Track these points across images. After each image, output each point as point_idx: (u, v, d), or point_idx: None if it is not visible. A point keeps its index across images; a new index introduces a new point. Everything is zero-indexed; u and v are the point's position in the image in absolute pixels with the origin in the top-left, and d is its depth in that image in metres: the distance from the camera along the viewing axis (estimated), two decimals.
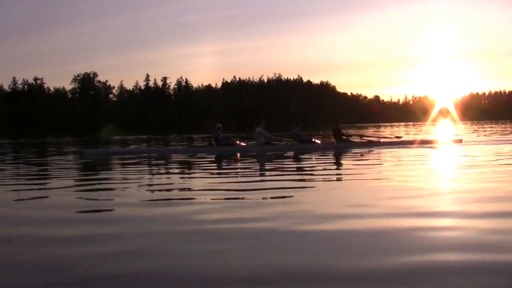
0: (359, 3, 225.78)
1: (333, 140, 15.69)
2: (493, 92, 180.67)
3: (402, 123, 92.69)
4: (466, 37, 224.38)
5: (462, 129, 35.29)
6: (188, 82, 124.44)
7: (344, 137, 15.43)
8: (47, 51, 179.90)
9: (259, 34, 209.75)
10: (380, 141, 15.71)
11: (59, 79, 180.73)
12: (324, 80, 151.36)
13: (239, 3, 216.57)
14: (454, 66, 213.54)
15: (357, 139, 15.76)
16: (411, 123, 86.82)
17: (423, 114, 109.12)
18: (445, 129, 38.46)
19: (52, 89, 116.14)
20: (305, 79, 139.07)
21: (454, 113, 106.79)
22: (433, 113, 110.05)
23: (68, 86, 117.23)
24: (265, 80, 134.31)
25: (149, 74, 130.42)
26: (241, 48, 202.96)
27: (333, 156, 12.15)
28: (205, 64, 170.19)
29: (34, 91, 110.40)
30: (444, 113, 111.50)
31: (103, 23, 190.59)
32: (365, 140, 15.44)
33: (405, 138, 18.25)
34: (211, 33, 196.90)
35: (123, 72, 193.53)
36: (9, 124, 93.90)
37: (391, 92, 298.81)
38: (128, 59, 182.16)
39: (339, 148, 14.11)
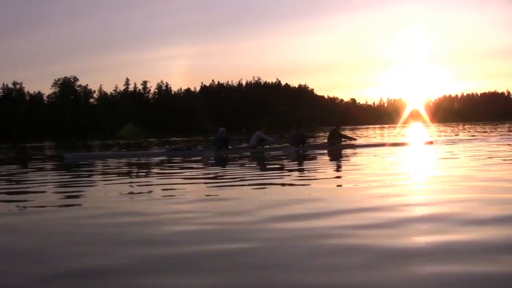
0: (334, 5, 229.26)
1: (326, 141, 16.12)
2: (465, 94, 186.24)
3: (377, 126, 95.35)
4: (438, 40, 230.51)
5: (434, 131, 36.49)
6: (169, 86, 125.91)
7: (336, 140, 15.72)
8: (20, 53, 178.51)
9: (235, 37, 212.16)
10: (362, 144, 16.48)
11: (32, 81, 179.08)
12: (301, 82, 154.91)
13: (214, 6, 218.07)
14: (427, 68, 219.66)
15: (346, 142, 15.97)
16: (386, 126, 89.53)
17: (398, 116, 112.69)
18: (417, 131, 39.95)
19: (32, 92, 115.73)
20: (282, 81, 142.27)
21: (425, 115, 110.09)
22: (405, 115, 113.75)
23: (47, 90, 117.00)
24: (244, 84, 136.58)
25: (126, 77, 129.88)
26: (217, 51, 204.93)
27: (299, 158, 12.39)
28: (180, 67, 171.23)
29: (14, 96, 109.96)
30: (416, 115, 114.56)
31: (76, 25, 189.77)
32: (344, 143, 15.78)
33: (379, 141, 19.73)
34: (185, 36, 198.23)
35: (100, 74, 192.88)
36: None
37: (365, 94, 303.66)
38: (104, 61, 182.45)
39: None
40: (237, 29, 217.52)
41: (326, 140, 16.43)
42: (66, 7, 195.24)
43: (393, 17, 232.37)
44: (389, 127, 67.13)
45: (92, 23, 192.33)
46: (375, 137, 28.89)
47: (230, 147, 15.31)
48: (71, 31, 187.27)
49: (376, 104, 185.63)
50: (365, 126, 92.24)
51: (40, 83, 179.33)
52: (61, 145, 32.53)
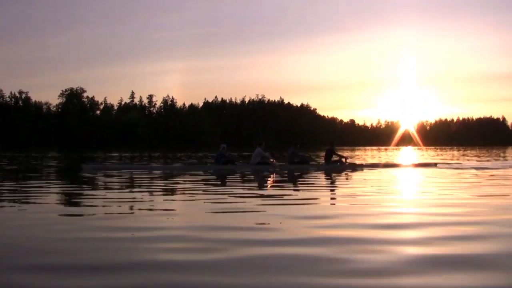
0: (337, 27, 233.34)
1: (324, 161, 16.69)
2: (461, 118, 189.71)
3: (374, 147, 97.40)
4: (436, 64, 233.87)
5: (433, 154, 37.95)
6: (174, 101, 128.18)
7: (335, 157, 16.30)
8: (25, 60, 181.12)
9: (238, 53, 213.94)
10: (362, 164, 17.54)
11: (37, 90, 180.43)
12: (304, 101, 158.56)
13: (219, 22, 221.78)
14: (424, 92, 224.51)
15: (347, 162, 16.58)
16: (383, 148, 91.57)
17: (394, 139, 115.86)
18: (412, 154, 41.57)
19: (38, 101, 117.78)
20: (285, 99, 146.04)
21: (417, 139, 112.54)
22: (399, 138, 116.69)
23: (54, 100, 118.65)
24: (246, 101, 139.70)
25: (132, 90, 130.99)
26: (219, 66, 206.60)
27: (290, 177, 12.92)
28: (182, 81, 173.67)
29: (21, 105, 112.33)
30: (410, 138, 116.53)
31: (82, 34, 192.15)
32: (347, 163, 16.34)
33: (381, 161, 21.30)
34: (189, 50, 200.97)
35: (104, 84, 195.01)
36: None
37: (364, 114, 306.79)
38: (108, 73, 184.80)
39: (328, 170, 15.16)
40: (240, 45, 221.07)
41: (323, 160, 17.04)
42: (71, 16, 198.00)
43: (391, 40, 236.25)
44: (379, 150, 68.22)
45: (98, 34, 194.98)
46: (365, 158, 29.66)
47: (236, 163, 16.24)
48: (77, 40, 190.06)
49: (374, 125, 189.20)
50: (354, 148, 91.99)
51: (46, 91, 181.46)
52: (68, 156, 33.77)
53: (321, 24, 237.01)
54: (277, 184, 11.24)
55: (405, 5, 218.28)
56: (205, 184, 10.60)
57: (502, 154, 35.45)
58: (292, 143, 16.55)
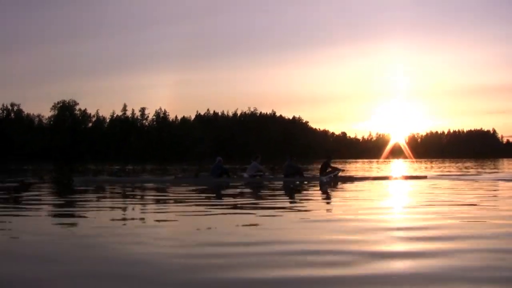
0: (328, 40, 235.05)
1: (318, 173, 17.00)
2: (451, 131, 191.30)
3: (365, 160, 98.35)
4: (426, 77, 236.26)
5: (422, 167, 38.11)
6: (167, 113, 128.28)
7: (329, 169, 16.51)
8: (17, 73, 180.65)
9: (230, 66, 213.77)
10: (352, 176, 17.95)
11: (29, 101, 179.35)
12: (296, 113, 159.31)
13: (211, 34, 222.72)
14: (415, 105, 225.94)
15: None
16: (375, 160, 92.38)
17: (384, 152, 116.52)
18: (403, 166, 41.93)
19: (30, 114, 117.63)
20: (277, 112, 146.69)
21: (408, 151, 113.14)
22: (389, 150, 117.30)
23: (45, 110, 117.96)
24: (238, 114, 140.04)
25: (124, 102, 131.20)
26: (211, 79, 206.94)
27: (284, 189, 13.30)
28: (173, 93, 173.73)
29: (12, 117, 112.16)
30: (400, 151, 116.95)
31: (74, 47, 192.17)
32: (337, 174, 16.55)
33: (376, 174, 21.64)
34: (181, 62, 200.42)
35: (96, 97, 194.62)
36: None
37: (355, 127, 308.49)
38: (102, 86, 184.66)
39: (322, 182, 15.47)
40: (232, 58, 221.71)
41: (318, 172, 17.32)
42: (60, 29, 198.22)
43: (382, 54, 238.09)
44: (370, 162, 69.24)
45: (91, 46, 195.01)
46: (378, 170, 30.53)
47: (232, 176, 16.48)
48: (69, 52, 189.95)
49: (365, 138, 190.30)
50: (345, 160, 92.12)
51: (38, 103, 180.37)
52: (59, 169, 33.74)
53: (313, 37, 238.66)
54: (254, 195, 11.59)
55: (395, 20, 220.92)
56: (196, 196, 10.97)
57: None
58: (288, 156, 16.90)
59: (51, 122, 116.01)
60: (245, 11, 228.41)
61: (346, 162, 68.49)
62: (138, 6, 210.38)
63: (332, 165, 17.32)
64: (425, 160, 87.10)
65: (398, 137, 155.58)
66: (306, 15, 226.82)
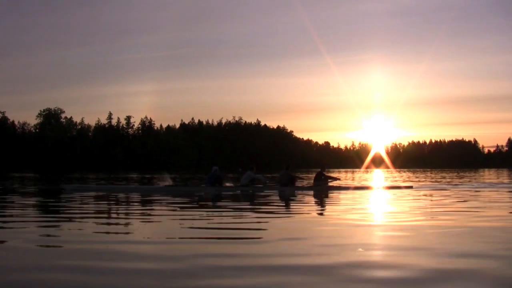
0: (309, 49, 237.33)
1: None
2: (433, 141, 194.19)
3: (348, 169, 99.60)
4: (407, 87, 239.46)
5: (404, 176, 38.70)
6: (152, 122, 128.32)
7: (323, 178, 16.41)
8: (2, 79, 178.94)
9: (214, 75, 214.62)
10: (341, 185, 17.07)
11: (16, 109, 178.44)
12: (279, 123, 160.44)
13: (195, 43, 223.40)
14: (396, 115, 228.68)
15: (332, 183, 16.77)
16: (358, 170, 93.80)
17: (365, 161, 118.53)
18: (382, 176, 42.57)
19: (16, 122, 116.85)
20: (262, 121, 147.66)
21: (388, 161, 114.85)
22: (370, 160, 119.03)
23: (31, 118, 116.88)
24: (223, 123, 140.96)
25: (109, 111, 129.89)
26: (196, 88, 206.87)
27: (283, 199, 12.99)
28: (156, 103, 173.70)
29: None
30: (381, 161, 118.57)
31: (60, 55, 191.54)
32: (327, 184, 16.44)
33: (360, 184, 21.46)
34: (164, 71, 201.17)
35: (82, 105, 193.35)
36: None
37: (338, 136, 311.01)
38: (87, 94, 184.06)
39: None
40: (215, 67, 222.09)
41: (312, 181, 17.06)
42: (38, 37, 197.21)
43: (363, 64, 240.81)
44: (352, 172, 70.25)
45: (76, 54, 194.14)
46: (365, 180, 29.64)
47: (226, 185, 16.36)
48: (53, 59, 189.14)
49: (348, 147, 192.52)
50: (328, 170, 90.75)
51: (24, 111, 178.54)
52: (45, 177, 33.65)
53: (294, 47, 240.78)
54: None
55: (377, 30, 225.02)
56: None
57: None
58: (284, 165, 16.74)
59: (37, 130, 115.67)
60: (230, 21, 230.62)
61: (329, 171, 69.65)
62: (123, 15, 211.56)
63: (327, 174, 17.26)
64: (406, 170, 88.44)
65: (379, 147, 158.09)
66: (289, 26, 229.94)
